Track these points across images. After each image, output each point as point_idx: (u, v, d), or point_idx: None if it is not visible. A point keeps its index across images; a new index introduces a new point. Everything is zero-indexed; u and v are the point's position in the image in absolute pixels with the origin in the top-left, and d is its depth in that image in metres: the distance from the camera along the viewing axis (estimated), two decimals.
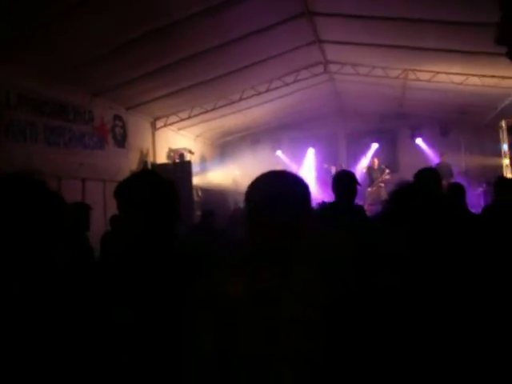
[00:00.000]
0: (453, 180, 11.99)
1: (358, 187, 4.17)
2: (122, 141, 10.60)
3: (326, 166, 14.99)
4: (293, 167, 15.80)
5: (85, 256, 4.30)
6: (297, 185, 1.55)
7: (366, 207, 13.17)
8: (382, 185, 13.74)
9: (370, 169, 14.24)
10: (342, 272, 1.51)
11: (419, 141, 15.28)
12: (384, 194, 13.33)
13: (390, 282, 1.92)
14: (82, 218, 5.05)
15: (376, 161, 14.28)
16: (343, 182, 4.16)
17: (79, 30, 6.56)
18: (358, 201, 12.44)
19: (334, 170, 14.54)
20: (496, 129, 12.09)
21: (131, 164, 10.86)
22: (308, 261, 1.42)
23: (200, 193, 12.44)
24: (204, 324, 1.39)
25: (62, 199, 1.85)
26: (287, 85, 11.79)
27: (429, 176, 4.17)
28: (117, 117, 10.37)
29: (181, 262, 1.86)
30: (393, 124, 15.64)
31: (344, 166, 14.82)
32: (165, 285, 1.77)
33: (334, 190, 4.18)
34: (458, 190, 4.68)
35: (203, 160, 14.84)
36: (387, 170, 13.93)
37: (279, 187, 1.50)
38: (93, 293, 1.76)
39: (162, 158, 12.38)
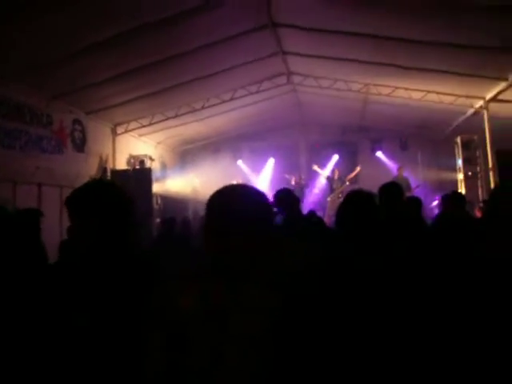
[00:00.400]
0: (410, 193, 12.31)
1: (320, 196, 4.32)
2: (81, 146, 10.39)
3: (286, 176, 15.10)
4: (252, 177, 15.89)
5: (37, 262, 4.18)
6: (258, 199, 1.56)
7: (326, 218, 13.42)
8: (341, 195, 13.95)
9: (330, 179, 14.43)
10: (296, 288, 1.51)
11: (379, 154, 15.61)
12: None
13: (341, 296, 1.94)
14: (32, 223, 4.90)
15: (336, 172, 14.48)
16: (289, 198, 4.23)
17: (38, 29, 6.36)
18: (319, 210, 12.55)
19: (293, 179, 14.74)
20: (452, 144, 12.46)
21: (90, 170, 10.66)
22: (262, 276, 1.42)
23: (159, 200, 12.31)
24: (155, 335, 1.38)
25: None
26: (250, 94, 11.84)
27: (391, 190, 4.29)
28: (76, 121, 10.15)
29: (136, 271, 1.83)
30: (354, 136, 15.96)
31: (304, 177, 15.04)
32: (119, 294, 1.74)
33: (283, 206, 4.21)
34: (416, 204, 4.83)
35: (164, 167, 14.71)
36: (347, 182, 14.17)
37: (240, 201, 1.51)
38: (47, 297, 1.72)
39: (122, 164, 12.20)
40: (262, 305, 1.34)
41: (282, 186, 13.94)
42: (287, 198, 4.25)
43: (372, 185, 5.00)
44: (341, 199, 13.85)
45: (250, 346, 1.30)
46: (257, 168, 16.52)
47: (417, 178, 14.23)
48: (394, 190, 4.33)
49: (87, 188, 2.02)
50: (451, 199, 5.48)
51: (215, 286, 1.38)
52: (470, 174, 11.62)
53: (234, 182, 14.68)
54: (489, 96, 9.82)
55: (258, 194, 1.58)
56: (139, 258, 1.99)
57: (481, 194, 11.08)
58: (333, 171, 14.63)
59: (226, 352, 1.30)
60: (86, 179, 9.93)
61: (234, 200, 1.52)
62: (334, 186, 14.20)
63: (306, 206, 14.78)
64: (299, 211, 4.28)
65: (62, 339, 1.67)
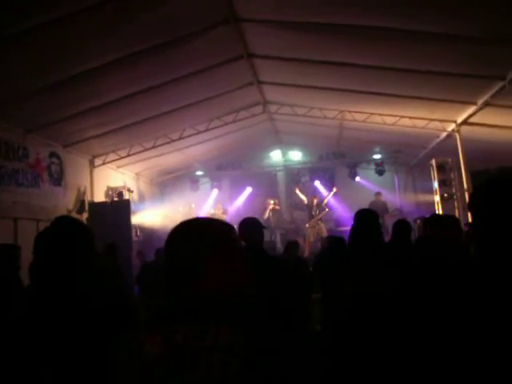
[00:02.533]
0: (387, 216, 12.50)
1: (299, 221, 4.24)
2: (58, 179, 10.29)
3: (267, 201, 15.33)
4: (231, 206, 15.99)
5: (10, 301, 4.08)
6: (218, 233, 1.54)
7: (306, 244, 13.47)
8: (320, 222, 14.09)
9: (309, 206, 14.52)
10: (261, 323, 1.45)
11: (358, 179, 15.80)
12: (324, 231, 13.68)
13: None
14: (8, 259, 4.83)
15: (315, 198, 14.59)
16: (251, 228, 4.10)
17: (10, 64, 6.38)
18: (297, 237, 12.58)
19: (271, 202, 14.97)
20: (427, 167, 12.68)
21: (68, 203, 10.56)
22: (226, 314, 1.38)
23: (138, 232, 12.21)
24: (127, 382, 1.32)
25: None
26: (227, 124, 11.94)
27: (367, 217, 4.24)
28: (53, 154, 10.08)
29: (99, 314, 1.81)
30: (331, 162, 16.13)
31: (282, 202, 15.22)
32: (83, 337, 1.71)
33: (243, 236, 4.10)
34: (404, 226, 4.87)
35: (142, 198, 14.64)
36: (326, 209, 14.33)
37: (198, 238, 1.50)
38: (11, 346, 1.68)
39: (100, 197, 12.11)
40: (228, 344, 1.28)
41: (260, 213, 14.15)
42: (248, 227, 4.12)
43: (350, 210, 5.05)
44: (321, 225, 13.99)
45: None
46: (236, 196, 16.60)
47: (394, 202, 14.44)
48: (368, 216, 4.28)
49: (52, 228, 2.04)
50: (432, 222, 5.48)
51: (180, 328, 1.33)
52: (446, 195, 11.80)
53: (212, 211, 14.81)
54: (460, 119, 10.07)
55: (219, 228, 1.57)
56: (103, 299, 1.96)
57: (458, 215, 11.24)
58: (312, 198, 14.74)
59: None
60: (63, 212, 9.89)
61: (191, 237, 1.51)
62: (313, 212, 14.30)
63: None
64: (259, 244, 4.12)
65: None
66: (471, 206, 1.93)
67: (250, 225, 4.12)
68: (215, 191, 16.51)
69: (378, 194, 14.05)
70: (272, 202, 15.22)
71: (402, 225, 4.91)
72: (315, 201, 14.47)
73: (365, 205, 12.04)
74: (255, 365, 1.25)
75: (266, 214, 14.92)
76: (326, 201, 14.60)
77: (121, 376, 1.33)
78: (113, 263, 7.08)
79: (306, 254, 12.68)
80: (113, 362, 1.37)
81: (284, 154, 16.56)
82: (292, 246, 8.33)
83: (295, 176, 16.46)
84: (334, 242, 6.22)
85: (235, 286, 1.46)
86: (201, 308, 1.37)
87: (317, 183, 16.21)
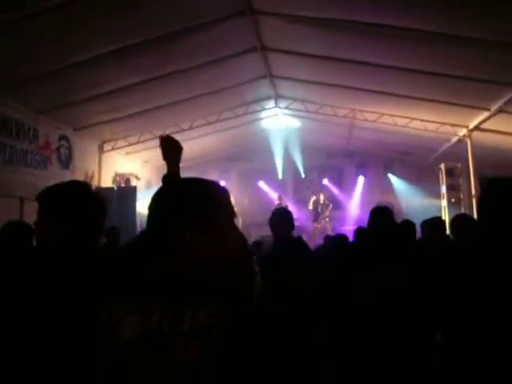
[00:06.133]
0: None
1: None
2: (66, 162, 10.31)
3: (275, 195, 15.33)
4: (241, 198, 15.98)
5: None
6: (203, 194, 1.31)
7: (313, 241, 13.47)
8: (327, 219, 14.08)
9: (315, 203, 14.49)
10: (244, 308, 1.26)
11: (361, 179, 15.77)
12: (329, 229, 13.66)
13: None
14: (23, 237, 4.85)
15: (322, 196, 14.56)
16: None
17: (25, 46, 6.40)
18: (301, 234, 12.58)
19: (278, 199, 14.87)
20: (436, 171, 12.61)
21: None
22: (207, 294, 1.23)
23: (144, 219, 12.19)
24: (96, 358, 1.24)
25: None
26: (238, 116, 11.92)
27: (383, 215, 4.20)
28: (63, 137, 10.09)
29: (94, 279, 1.73)
30: (339, 161, 16.09)
31: (286, 199, 15.11)
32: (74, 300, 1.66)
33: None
34: (410, 227, 4.84)
35: (149, 186, 14.63)
36: (330, 206, 14.31)
37: (176, 203, 1.28)
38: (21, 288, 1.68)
39: (107, 182, 12.13)
40: (205, 327, 1.16)
41: (265, 208, 14.11)
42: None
43: (358, 209, 5.04)
44: (328, 223, 13.97)
45: (194, 375, 1.13)
46: (244, 189, 16.55)
47: (401, 204, 14.38)
48: (385, 214, 4.25)
49: (61, 187, 1.98)
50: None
51: (156, 310, 1.20)
52: (453, 200, 11.74)
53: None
54: (472, 125, 9.99)
55: (210, 192, 1.34)
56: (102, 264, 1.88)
57: None
58: (319, 195, 14.69)
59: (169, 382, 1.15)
60: None
61: (171, 203, 1.30)
62: (320, 210, 14.27)
63: None
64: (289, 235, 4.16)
65: (29, 329, 1.63)
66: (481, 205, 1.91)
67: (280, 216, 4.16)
68: (222, 183, 16.47)
69: (385, 194, 13.99)
70: (277, 198, 15.07)
71: (407, 225, 4.86)
72: (322, 198, 14.43)
73: (371, 204, 12.01)
74: (233, 348, 1.14)
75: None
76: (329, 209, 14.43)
77: (98, 351, 1.26)
78: (112, 245, 7.08)
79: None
80: (93, 335, 1.29)
81: (293, 150, 16.48)
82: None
83: (303, 172, 16.48)
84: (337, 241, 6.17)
85: (220, 263, 1.28)
86: (178, 286, 1.23)
87: (325, 181, 16.17)
